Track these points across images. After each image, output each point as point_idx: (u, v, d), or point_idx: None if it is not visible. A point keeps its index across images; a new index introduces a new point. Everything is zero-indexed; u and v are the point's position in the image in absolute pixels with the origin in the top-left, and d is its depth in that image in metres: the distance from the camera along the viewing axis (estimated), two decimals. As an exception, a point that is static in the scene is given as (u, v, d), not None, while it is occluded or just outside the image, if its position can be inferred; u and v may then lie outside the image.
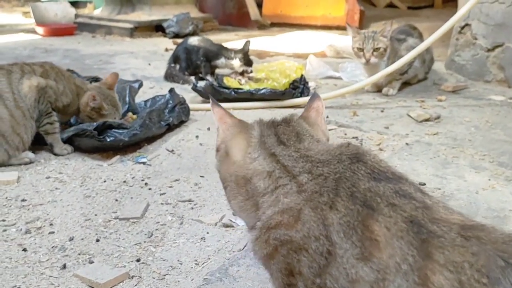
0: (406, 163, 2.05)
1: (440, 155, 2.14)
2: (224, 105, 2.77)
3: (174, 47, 4.75)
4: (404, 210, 0.61)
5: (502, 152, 2.18)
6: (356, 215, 0.62)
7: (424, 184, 1.85)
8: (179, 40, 5.17)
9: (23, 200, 1.71)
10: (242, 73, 3.33)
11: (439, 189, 1.81)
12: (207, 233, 1.52)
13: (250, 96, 2.86)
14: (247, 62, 3.30)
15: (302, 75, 3.05)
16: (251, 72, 3.32)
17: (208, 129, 2.50)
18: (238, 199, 0.84)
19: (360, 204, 0.64)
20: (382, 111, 2.82)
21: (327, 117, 2.69)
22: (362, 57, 3.04)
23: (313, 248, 0.63)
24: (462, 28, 3.54)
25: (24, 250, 1.40)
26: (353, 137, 2.41)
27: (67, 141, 2.16)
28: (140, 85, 2.71)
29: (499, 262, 0.54)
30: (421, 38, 3.34)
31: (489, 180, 1.89)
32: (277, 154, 0.79)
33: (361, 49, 3.03)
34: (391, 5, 8.55)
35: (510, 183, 1.87)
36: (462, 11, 2.72)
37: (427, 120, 2.62)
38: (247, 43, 3.30)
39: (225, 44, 3.68)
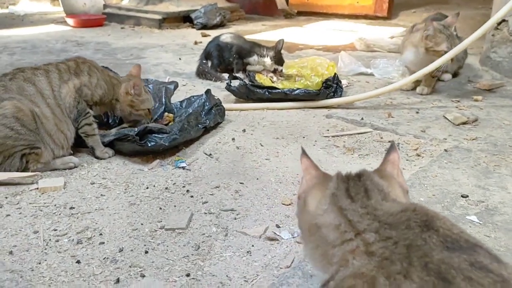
0: (447, 172, 2.04)
1: (481, 163, 2.12)
2: (257, 105, 2.83)
3: (203, 39, 4.79)
4: (482, 284, 0.61)
5: (545, 160, 2.14)
6: (431, 287, 0.63)
7: (467, 196, 1.83)
8: (208, 32, 5.21)
9: (71, 208, 1.76)
10: (274, 71, 3.32)
11: (483, 202, 1.80)
12: (252, 246, 1.54)
13: (284, 96, 2.85)
14: (279, 61, 3.29)
15: (335, 74, 3.03)
16: (281, 71, 3.31)
17: (244, 131, 2.52)
18: (309, 246, 0.86)
19: (435, 276, 0.63)
20: (417, 112, 2.79)
21: (362, 119, 2.67)
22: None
23: None
24: (499, 24, 3.45)
25: (78, 262, 1.45)
26: (389, 141, 2.40)
27: (108, 144, 2.21)
28: (176, 87, 2.73)
29: None
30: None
31: (534, 192, 1.87)
32: (344, 208, 0.80)
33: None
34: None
35: (555, 195, 1.84)
36: (504, 9, 2.64)
37: (464, 123, 2.58)
38: (281, 41, 3.28)
39: (253, 37, 3.67)
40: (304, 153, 1.00)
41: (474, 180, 1.96)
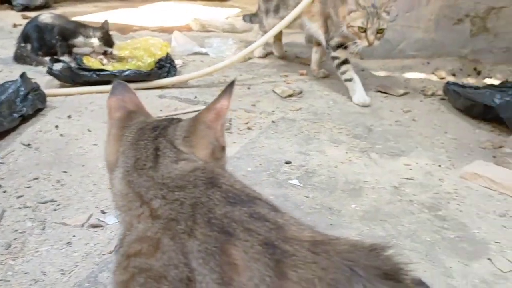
0: (273, 142, 2.14)
1: (304, 131, 2.26)
2: (85, 89, 2.65)
3: (24, 22, 4.31)
4: (259, 233, 0.63)
5: (357, 124, 2.37)
6: (214, 242, 0.63)
7: (290, 162, 1.94)
8: (30, 14, 4.70)
9: None
10: (104, 53, 3.14)
11: (304, 166, 1.92)
12: (74, 236, 1.44)
13: (113, 78, 2.70)
14: (107, 42, 3.11)
15: (167, 54, 2.97)
16: (111, 53, 3.14)
17: (69, 117, 2.33)
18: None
19: (218, 231, 0.64)
20: (249, 88, 2.88)
21: (195, 97, 2.67)
22: (364, 39, 2.51)
23: (173, 275, 0.63)
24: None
25: None
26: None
27: None
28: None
29: (345, 272, 0.59)
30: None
31: (346, 153, 2.05)
32: (131, 181, 0.76)
33: (364, 29, 2.49)
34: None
35: (364, 154, 2.05)
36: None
37: (291, 95, 2.74)
38: (105, 22, 3.11)
39: (84, 18, 3.43)
40: (112, 92, 0.92)
41: (297, 147, 2.09)
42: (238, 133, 2.24)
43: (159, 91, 2.74)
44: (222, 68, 2.92)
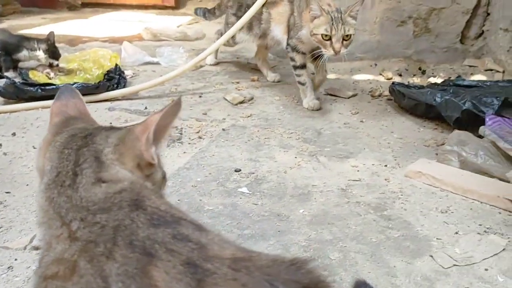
0: (223, 150, 2.14)
1: (254, 138, 2.28)
2: (30, 104, 2.58)
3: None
4: (181, 253, 0.64)
5: (306, 128, 2.41)
6: (135, 264, 0.63)
7: (240, 170, 1.95)
8: (-28, 28, 4.54)
9: None
10: (51, 65, 3.06)
11: (253, 173, 1.93)
12: (15, 260, 1.39)
13: (60, 93, 2.65)
14: (53, 54, 3.04)
15: (116, 65, 2.93)
16: (57, 65, 3.07)
17: (13, 134, 2.27)
18: None
19: (140, 252, 0.64)
20: (200, 96, 2.88)
21: (146, 108, 2.64)
22: (329, 48, 2.33)
23: None
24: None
25: None
26: (172, 127, 2.41)
27: None
28: None
29: (265, 287, 0.60)
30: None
31: (296, 158, 2.08)
32: (52, 198, 0.74)
33: (329, 37, 2.32)
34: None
35: (313, 158, 2.08)
36: None
37: (241, 102, 2.75)
38: (51, 33, 3.03)
39: (32, 31, 3.33)
40: (57, 97, 0.91)
41: (247, 154, 2.10)
42: (189, 143, 2.24)
43: (108, 104, 2.70)
44: (173, 77, 2.91)
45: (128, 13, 5.98)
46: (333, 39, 2.31)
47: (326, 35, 2.32)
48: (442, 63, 3.38)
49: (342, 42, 2.31)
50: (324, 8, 2.33)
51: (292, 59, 2.70)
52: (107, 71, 2.87)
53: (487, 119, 2.15)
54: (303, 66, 2.69)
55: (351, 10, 2.34)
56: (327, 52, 2.34)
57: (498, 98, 2.22)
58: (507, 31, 3.12)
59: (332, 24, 2.29)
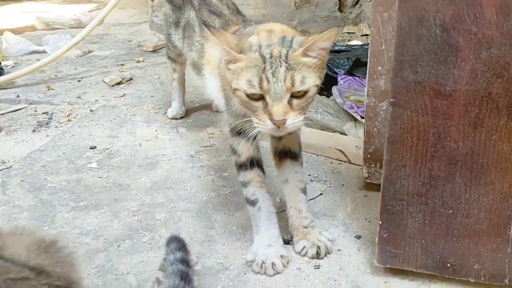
0: (85, 130, 2.15)
1: (121, 116, 2.30)
2: None
3: None
4: None
5: (177, 102, 2.45)
6: None
7: (95, 147, 1.98)
8: None
9: None
10: None
11: (108, 149, 1.96)
12: None
13: None
14: None
15: (-7, 55, 2.85)
16: None
17: None
18: None
19: None
20: (79, 81, 2.85)
21: (18, 96, 2.60)
22: (262, 115, 1.17)
23: None
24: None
25: None
26: (44, 112, 2.40)
27: None
28: None
29: None
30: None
31: (156, 131, 2.12)
32: None
33: (259, 95, 1.16)
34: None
35: (173, 129, 2.14)
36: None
37: (119, 83, 2.76)
38: None
39: None
40: None
41: (108, 132, 2.13)
42: (56, 126, 2.23)
43: (-20, 95, 2.63)
44: (47, 63, 2.87)
45: (31, 5, 5.76)
46: (268, 98, 1.15)
47: (253, 93, 1.17)
48: (324, 31, 3.50)
49: (289, 103, 1.16)
50: (250, 43, 1.20)
51: (233, 151, 1.41)
52: (-18, 62, 2.79)
53: (339, 79, 2.28)
54: (251, 163, 1.39)
55: (312, 43, 1.20)
56: (260, 124, 1.18)
57: (349, 59, 2.35)
58: (378, -3, 3.28)
59: (265, 70, 1.14)
